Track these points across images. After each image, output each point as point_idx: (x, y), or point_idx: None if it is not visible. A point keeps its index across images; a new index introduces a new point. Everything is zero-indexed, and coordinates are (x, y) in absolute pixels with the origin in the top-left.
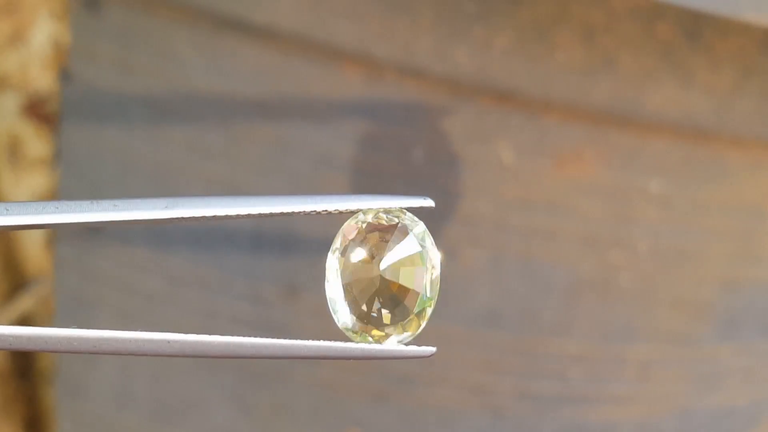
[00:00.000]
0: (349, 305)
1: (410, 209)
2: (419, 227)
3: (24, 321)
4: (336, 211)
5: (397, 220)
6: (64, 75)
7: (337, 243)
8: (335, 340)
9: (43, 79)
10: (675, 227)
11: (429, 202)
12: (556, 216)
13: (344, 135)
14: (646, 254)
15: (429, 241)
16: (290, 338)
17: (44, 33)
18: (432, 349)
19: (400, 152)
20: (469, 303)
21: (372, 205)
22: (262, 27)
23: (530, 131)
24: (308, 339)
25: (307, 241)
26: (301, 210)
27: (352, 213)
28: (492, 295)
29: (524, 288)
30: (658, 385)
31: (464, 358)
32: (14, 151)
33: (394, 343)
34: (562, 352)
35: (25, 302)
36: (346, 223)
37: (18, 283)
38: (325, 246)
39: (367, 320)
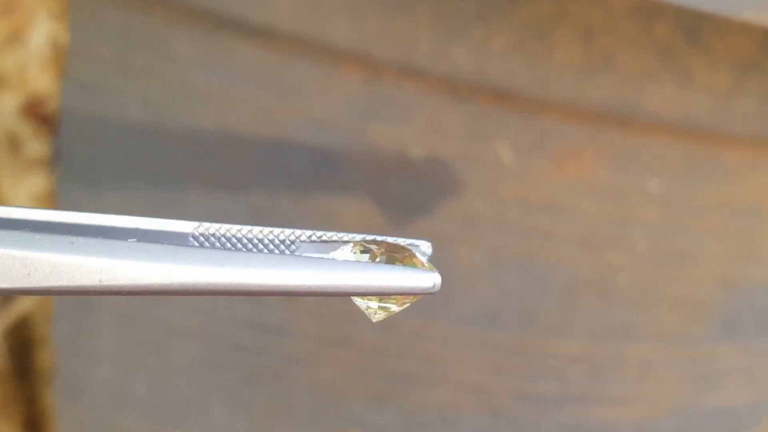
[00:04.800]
0: None
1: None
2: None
3: (23, 322)
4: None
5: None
6: (63, 75)
7: None
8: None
9: (41, 80)
10: (674, 227)
11: (426, 250)
12: (555, 216)
13: (343, 135)
14: (645, 254)
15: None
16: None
17: (43, 33)
18: (436, 278)
19: (398, 152)
20: (468, 303)
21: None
22: (260, 27)
23: (529, 131)
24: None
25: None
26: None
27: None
28: (491, 295)
29: (523, 288)
30: (657, 385)
31: (463, 358)
32: (13, 151)
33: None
34: (561, 352)
35: (24, 303)
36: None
37: None
38: None
39: None
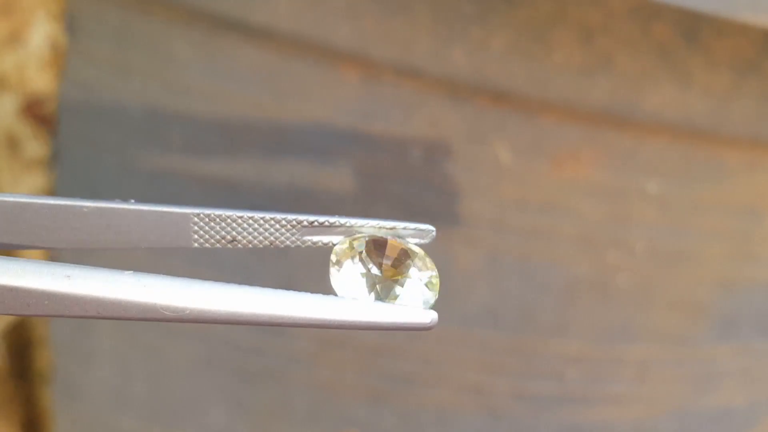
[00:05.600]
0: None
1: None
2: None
3: (22, 323)
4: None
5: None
6: (62, 76)
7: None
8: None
9: (40, 80)
10: (672, 227)
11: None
12: (554, 216)
13: (341, 135)
14: (644, 254)
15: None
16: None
17: (42, 34)
18: (433, 315)
19: (397, 153)
20: (467, 303)
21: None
22: (259, 28)
23: (528, 132)
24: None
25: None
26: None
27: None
28: (489, 296)
29: (522, 288)
30: (655, 385)
31: (462, 358)
32: (12, 151)
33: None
34: (560, 353)
35: None
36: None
37: None
38: (324, 248)
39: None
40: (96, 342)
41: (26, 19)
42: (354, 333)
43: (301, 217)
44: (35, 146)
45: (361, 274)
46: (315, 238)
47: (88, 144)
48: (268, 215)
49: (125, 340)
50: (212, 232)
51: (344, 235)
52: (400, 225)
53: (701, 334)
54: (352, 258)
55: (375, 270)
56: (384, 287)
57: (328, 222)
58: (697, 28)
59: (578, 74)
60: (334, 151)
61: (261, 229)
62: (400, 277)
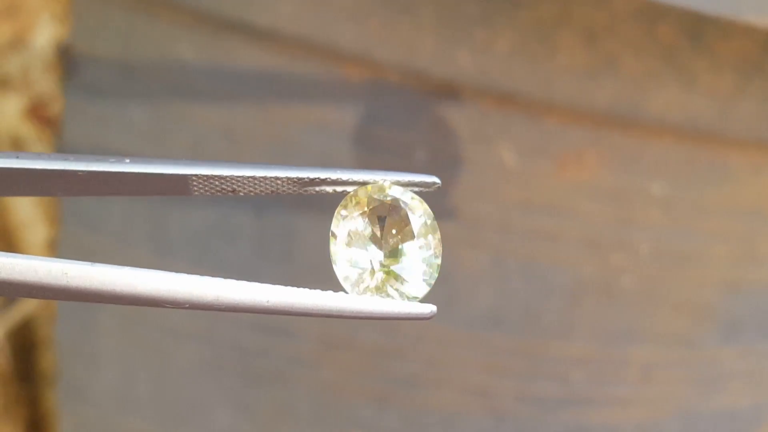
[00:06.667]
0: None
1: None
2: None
3: (26, 324)
4: (344, 186)
5: (399, 204)
6: (66, 77)
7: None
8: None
9: (45, 82)
10: (677, 229)
11: (433, 180)
12: (558, 218)
13: (346, 137)
14: (648, 256)
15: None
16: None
17: (46, 36)
18: (432, 308)
19: (401, 154)
20: (471, 305)
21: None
22: (263, 29)
23: (532, 133)
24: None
25: (309, 242)
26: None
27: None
28: (494, 297)
29: (526, 290)
30: (660, 387)
31: (466, 360)
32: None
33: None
34: (564, 355)
35: (27, 305)
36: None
37: None
38: (327, 249)
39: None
40: (101, 343)
41: (31, 21)
42: (358, 335)
43: (302, 174)
44: (40, 148)
45: (361, 259)
46: (317, 188)
47: (93, 145)
48: (268, 173)
49: (130, 341)
50: (211, 185)
51: (346, 186)
52: (403, 177)
53: (706, 336)
54: (352, 237)
55: (375, 257)
56: (384, 274)
57: (330, 178)
58: (701, 30)
59: (583, 76)
60: (338, 152)
61: (261, 185)
62: (401, 254)
